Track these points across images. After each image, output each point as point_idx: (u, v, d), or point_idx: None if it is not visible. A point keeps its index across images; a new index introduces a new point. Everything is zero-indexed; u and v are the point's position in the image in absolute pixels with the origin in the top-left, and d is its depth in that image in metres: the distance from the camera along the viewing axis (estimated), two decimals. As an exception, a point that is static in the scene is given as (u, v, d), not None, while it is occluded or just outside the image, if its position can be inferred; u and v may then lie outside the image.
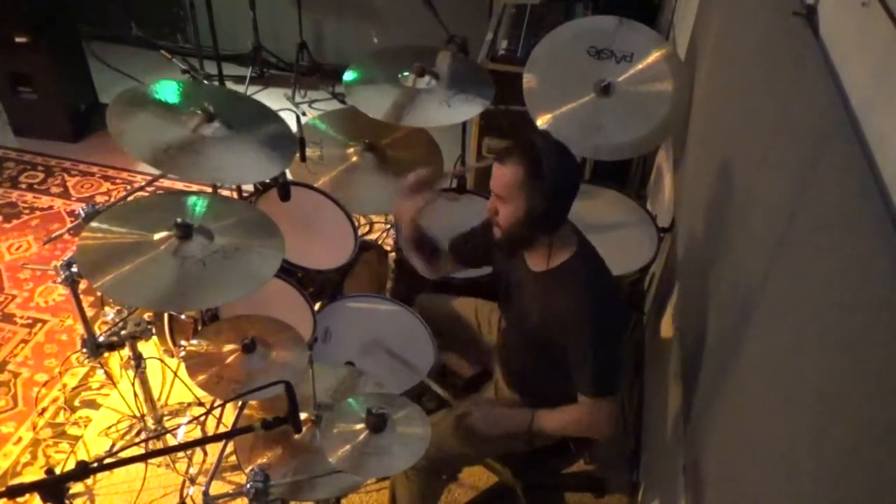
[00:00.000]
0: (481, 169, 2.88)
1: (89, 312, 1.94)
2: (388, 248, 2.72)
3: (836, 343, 0.86)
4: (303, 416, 1.46)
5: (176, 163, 1.74)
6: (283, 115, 2.00)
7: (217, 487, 2.01)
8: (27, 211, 3.21)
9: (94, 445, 2.31)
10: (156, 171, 1.83)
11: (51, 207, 3.24)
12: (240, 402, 1.73)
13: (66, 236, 2.84)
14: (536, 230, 1.57)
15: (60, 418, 2.39)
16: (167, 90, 1.90)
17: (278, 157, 1.86)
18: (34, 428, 2.36)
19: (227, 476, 2.16)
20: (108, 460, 1.27)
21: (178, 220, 1.62)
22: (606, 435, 1.66)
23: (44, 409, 2.41)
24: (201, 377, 1.57)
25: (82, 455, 2.28)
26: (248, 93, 3.95)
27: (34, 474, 2.23)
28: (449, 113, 2.13)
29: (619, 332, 1.69)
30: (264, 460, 1.60)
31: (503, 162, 1.53)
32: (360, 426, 1.46)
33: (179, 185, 3.24)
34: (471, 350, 2.08)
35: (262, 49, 4.08)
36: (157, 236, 1.63)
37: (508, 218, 1.57)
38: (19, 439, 2.33)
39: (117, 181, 3.42)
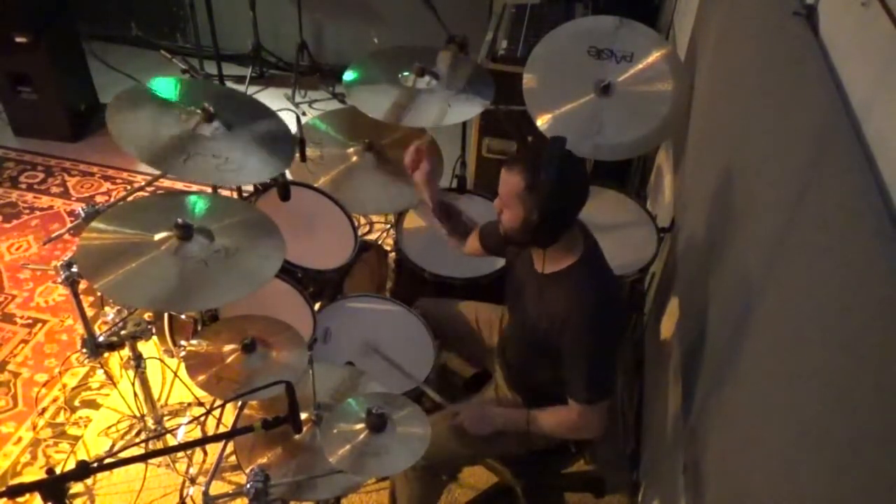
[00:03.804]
0: (482, 166, 2.89)
1: (89, 312, 1.94)
2: (388, 248, 2.72)
3: (836, 342, 0.86)
4: (303, 415, 1.46)
5: (175, 163, 1.74)
6: (283, 115, 2.00)
7: (217, 487, 2.01)
8: (27, 211, 3.21)
9: (94, 445, 2.31)
10: (156, 171, 1.83)
11: (51, 207, 3.24)
12: (240, 402, 1.73)
13: (66, 236, 2.84)
14: (532, 239, 1.58)
15: (60, 418, 2.39)
16: (166, 88, 1.89)
17: (278, 158, 1.86)
18: (34, 428, 2.36)
19: (227, 476, 2.16)
20: (108, 460, 1.27)
21: (179, 220, 1.62)
22: (597, 435, 1.69)
23: (44, 409, 2.41)
24: (201, 377, 1.57)
25: (82, 455, 2.28)
26: (248, 93, 3.95)
27: (34, 474, 2.23)
28: (449, 113, 2.13)
29: (614, 341, 1.68)
30: (264, 460, 1.60)
31: (508, 169, 1.53)
32: (360, 426, 1.46)
33: (179, 185, 3.24)
34: (471, 352, 2.08)
35: (262, 49, 4.08)
36: (157, 236, 1.63)
37: (507, 223, 1.58)
38: (19, 439, 2.33)
39: (117, 181, 3.42)
